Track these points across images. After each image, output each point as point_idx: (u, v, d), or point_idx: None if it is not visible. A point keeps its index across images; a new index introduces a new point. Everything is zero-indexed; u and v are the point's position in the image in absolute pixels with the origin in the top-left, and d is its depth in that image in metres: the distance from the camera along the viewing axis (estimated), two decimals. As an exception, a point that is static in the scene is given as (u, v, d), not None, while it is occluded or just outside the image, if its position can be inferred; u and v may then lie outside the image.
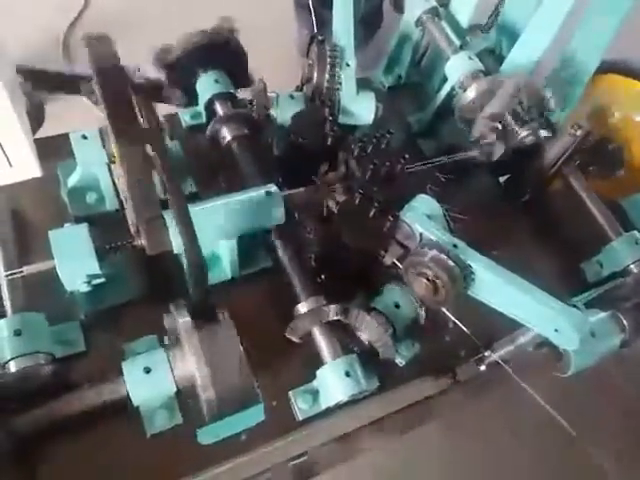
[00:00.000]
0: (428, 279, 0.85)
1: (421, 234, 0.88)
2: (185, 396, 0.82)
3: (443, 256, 0.83)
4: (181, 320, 0.77)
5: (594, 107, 1.47)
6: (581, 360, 0.93)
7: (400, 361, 0.93)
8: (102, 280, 0.85)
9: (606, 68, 1.37)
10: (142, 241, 0.81)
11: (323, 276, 0.98)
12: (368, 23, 2.05)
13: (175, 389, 0.79)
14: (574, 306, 0.83)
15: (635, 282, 1.05)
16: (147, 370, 0.78)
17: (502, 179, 1.33)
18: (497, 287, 0.82)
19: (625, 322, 1.01)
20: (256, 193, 0.91)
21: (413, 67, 1.31)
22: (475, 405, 1.15)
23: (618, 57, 1.43)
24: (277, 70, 1.19)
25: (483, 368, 0.99)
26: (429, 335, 0.96)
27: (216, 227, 0.89)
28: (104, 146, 0.94)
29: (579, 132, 1.06)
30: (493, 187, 1.27)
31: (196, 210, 0.86)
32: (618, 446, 1.65)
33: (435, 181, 1.19)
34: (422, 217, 0.89)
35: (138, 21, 2.14)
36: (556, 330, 0.78)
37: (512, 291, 0.80)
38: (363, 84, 1.27)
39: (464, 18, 1.18)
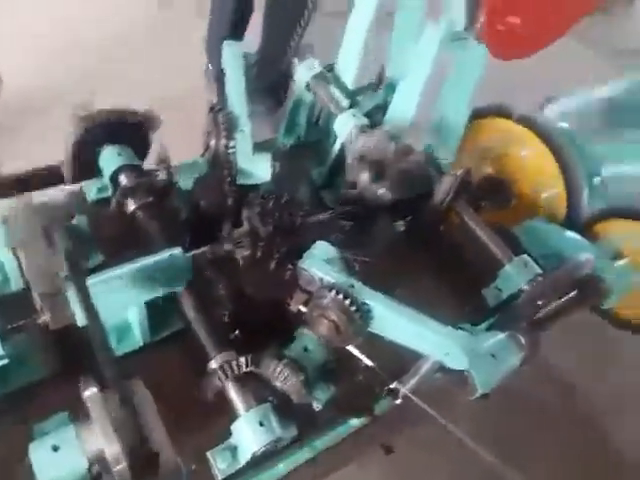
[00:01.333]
0: (329, 320, 0.90)
1: (321, 279, 0.94)
2: (100, 471, 0.80)
3: (340, 297, 0.89)
4: (87, 393, 0.77)
5: (484, 148, 1.61)
6: (484, 381, 0.99)
7: (317, 405, 0.96)
8: (6, 361, 0.84)
9: (490, 112, 1.53)
10: (45, 317, 0.82)
11: (237, 331, 1.02)
12: (276, 91, 2.18)
13: (87, 465, 0.78)
14: (461, 329, 0.89)
15: (526, 302, 1.14)
16: (55, 448, 0.77)
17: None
18: (391, 320, 0.88)
19: (523, 341, 1.09)
20: (160, 257, 0.94)
21: (311, 127, 1.41)
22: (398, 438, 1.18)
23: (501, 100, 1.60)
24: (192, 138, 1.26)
25: (399, 401, 1.03)
26: (344, 375, 1.00)
27: (122, 295, 0.91)
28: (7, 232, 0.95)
29: (459, 172, 1.17)
30: (394, 229, 1.35)
31: (101, 279, 0.88)
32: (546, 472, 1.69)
33: (340, 229, 1.27)
34: (320, 262, 0.94)
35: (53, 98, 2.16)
36: (447, 353, 0.84)
37: (404, 322, 0.86)
38: (267, 145, 1.36)
39: (349, 80, 1.30)
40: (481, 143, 1.60)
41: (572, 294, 1.26)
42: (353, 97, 1.42)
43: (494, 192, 1.56)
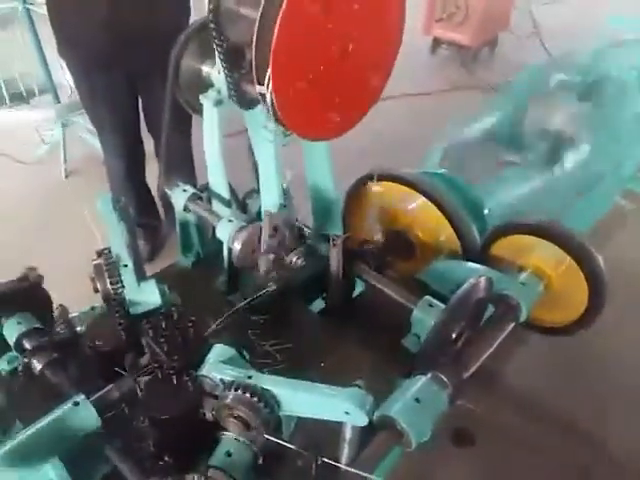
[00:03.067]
0: (236, 417, 0.91)
1: (221, 379, 0.96)
2: None
3: (240, 392, 0.91)
4: None
5: (379, 210, 1.72)
6: (417, 429, 1.00)
7: (261, 506, 0.95)
8: None
9: (374, 177, 1.64)
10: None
11: (166, 457, 1.01)
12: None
13: None
14: (357, 386, 0.92)
15: (433, 337, 1.17)
16: None
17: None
18: (292, 398, 0.90)
19: (445, 378, 1.11)
20: (65, 407, 0.96)
21: (207, 242, 1.50)
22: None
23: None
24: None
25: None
26: (276, 467, 1.00)
27: (38, 452, 0.91)
28: None
29: (337, 241, 1.25)
30: (309, 311, 1.40)
31: (7, 449, 0.89)
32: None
33: (254, 324, 1.32)
34: (216, 365, 0.97)
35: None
36: (347, 412, 0.86)
37: (302, 396, 0.89)
38: (170, 271, 1.43)
39: (223, 191, 1.40)
40: (376, 206, 1.71)
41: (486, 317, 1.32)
42: (241, 204, 1.53)
43: (398, 247, 1.65)
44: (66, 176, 2.92)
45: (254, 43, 0.98)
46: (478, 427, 1.73)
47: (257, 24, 0.96)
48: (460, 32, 3.90)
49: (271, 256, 1.25)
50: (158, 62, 1.72)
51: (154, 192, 2.36)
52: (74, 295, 1.24)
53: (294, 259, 1.21)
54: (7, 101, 3.00)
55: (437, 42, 4.15)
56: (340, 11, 1.00)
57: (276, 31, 0.92)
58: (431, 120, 3.23)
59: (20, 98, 3.14)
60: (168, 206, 1.60)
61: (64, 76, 3.03)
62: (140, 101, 2.05)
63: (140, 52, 1.75)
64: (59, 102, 2.94)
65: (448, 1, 3.84)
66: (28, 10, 2.49)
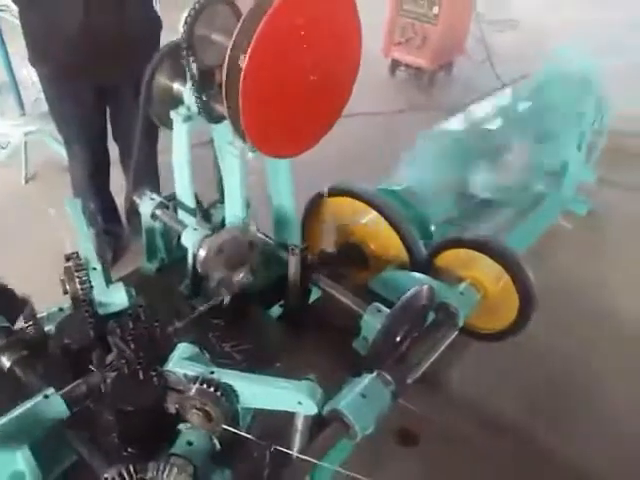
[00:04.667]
0: (198, 409, 1.00)
1: (184, 374, 1.05)
2: None
3: (203, 386, 1.00)
4: None
5: (338, 223, 1.84)
6: (362, 422, 1.11)
7: (218, 490, 1.03)
8: None
9: (334, 192, 1.76)
10: None
11: (129, 448, 1.09)
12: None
13: None
14: (308, 379, 1.02)
15: (379, 340, 1.29)
16: None
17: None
18: (250, 390, 1.00)
19: (389, 377, 1.22)
20: (35, 400, 1.02)
21: (172, 248, 1.58)
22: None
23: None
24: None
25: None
26: (237, 456, 1.09)
27: (8, 440, 0.97)
28: None
29: (296, 250, 1.36)
30: (267, 315, 1.50)
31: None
32: None
33: (215, 327, 1.41)
34: (181, 361, 1.06)
35: None
36: (300, 402, 0.97)
37: (259, 388, 0.99)
38: (134, 275, 1.50)
39: (189, 201, 1.49)
40: (335, 219, 1.83)
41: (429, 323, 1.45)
42: (205, 213, 1.62)
43: (352, 257, 1.77)
44: (26, 181, 2.92)
45: (225, 69, 1.08)
46: (422, 428, 1.85)
47: (229, 52, 1.07)
48: (417, 55, 4.11)
49: (217, 274, 1.35)
50: (128, 74, 1.81)
51: (116, 199, 2.41)
52: (39, 295, 1.30)
53: (240, 276, 1.33)
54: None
55: (396, 64, 4.34)
56: (306, 43, 1.12)
57: (247, 60, 1.03)
58: (389, 137, 3.41)
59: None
60: (132, 213, 1.67)
61: (30, 81, 3.04)
62: (108, 111, 2.11)
63: (111, 64, 1.82)
64: (24, 112, 2.95)
65: (406, 26, 4.04)
66: (-2, 18, 2.52)
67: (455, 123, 2.24)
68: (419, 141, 2.00)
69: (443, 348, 1.70)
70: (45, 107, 2.67)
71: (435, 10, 3.92)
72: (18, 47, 2.69)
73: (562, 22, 5.46)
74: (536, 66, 2.95)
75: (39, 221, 2.48)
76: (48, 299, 1.28)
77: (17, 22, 1.93)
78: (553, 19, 5.62)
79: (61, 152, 2.82)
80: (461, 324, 1.44)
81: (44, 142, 2.97)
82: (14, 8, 2.01)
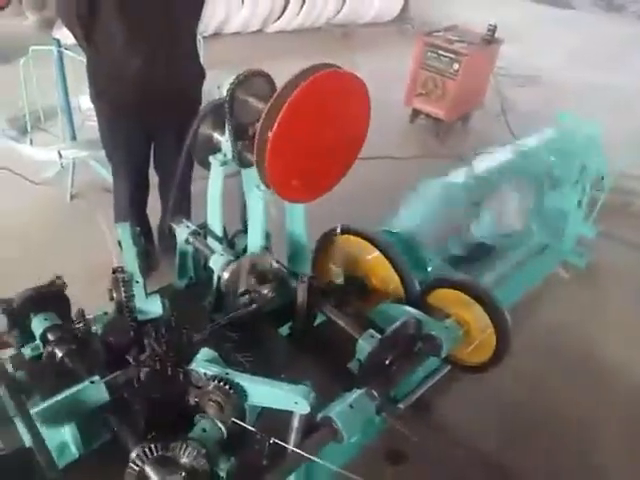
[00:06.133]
0: (213, 401, 1.23)
1: (205, 374, 1.28)
2: None
3: (219, 383, 1.23)
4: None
5: (346, 257, 2.07)
6: (348, 429, 1.32)
7: (222, 475, 1.24)
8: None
9: (344, 231, 2.00)
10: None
11: (154, 432, 1.32)
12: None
13: None
14: (304, 384, 1.25)
15: (369, 361, 1.51)
16: None
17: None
18: (256, 390, 1.23)
19: (375, 393, 1.44)
20: (82, 385, 1.26)
21: (200, 269, 1.83)
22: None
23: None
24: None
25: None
26: (242, 447, 1.30)
27: (59, 416, 1.21)
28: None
29: (305, 279, 1.60)
30: (276, 333, 1.73)
31: (42, 408, 1.19)
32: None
33: (229, 339, 1.64)
34: (203, 362, 1.29)
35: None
36: (295, 402, 1.19)
37: (263, 389, 1.22)
38: (168, 288, 1.76)
39: (218, 231, 1.75)
40: (343, 254, 2.07)
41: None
42: (229, 241, 1.87)
43: (355, 289, 2.00)
44: (71, 199, 3.24)
45: (258, 130, 1.35)
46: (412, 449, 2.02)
47: (259, 129, 1.34)
48: (436, 107, 4.40)
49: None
50: (174, 118, 2.11)
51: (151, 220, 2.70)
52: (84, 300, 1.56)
53: (265, 291, 1.57)
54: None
55: (416, 113, 4.64)
56: (321, 120, 1.39)
57: (271, 137, 1.30)
58: (399, 180, 3.63)
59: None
60: (165, 236, 1.93)
61: (78, 108, 3.39)
62: (153, 147, 2.41)
63: (160, 109, 2.12)
64: (74, 137, 3.29)
65: (428, 79, 4.35)
66: (61, 53, 2.87)
67: (458, 173, 2.47)
68: (420, 187, 2.24)
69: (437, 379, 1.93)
70: (88, 133, 3.03)
71: (455, 66, 4.22)
72: (72, 79, 3.08)
73: (582, 81, 5.75)
74: (549, 123, 3.16)
75: (81, 236, 2.77)
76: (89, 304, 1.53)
77: (71, 54, 2.24)
78: (574, 77, 5.92)
79: (103, 174, 3.15)
80: (444, 354, 1.65)
81: (87, 164, 3.28)
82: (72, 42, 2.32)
